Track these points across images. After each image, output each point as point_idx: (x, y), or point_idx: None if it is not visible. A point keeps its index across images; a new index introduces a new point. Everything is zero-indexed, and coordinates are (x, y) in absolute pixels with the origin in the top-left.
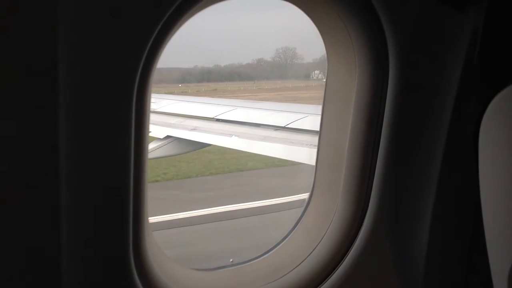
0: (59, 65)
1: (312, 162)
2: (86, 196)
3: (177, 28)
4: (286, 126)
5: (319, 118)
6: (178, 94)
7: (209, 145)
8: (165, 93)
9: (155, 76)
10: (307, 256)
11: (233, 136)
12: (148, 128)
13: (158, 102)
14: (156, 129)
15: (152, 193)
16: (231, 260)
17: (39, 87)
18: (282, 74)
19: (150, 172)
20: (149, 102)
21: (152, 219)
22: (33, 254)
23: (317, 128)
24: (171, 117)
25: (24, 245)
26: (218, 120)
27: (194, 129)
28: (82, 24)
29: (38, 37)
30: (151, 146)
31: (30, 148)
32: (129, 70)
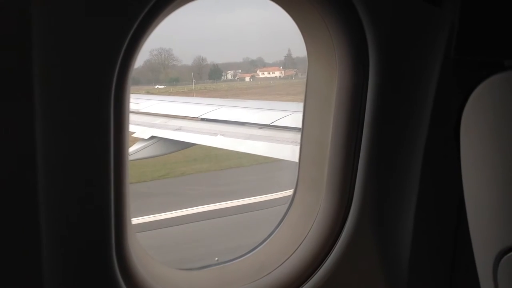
0: (34, 66)
1: (295, 159)
2: (65, 198)
3: (154, 28)
4: (271, 124)
5: None
6: None
7: (194, 144)
8: None
9: None
10: (292, 253)
11: (218, 135)
12: (128, 129)
13: (141, 102)
14: (140, 129)
15: None
16: (216, 259)
17: (15, 90)
18: (155, 78)
19: None
20: (128, 103)
21: None
22: (13, 257)
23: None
24: (156, 117)
25: (4, 248)
26: (203, 119)
27: (178, 129)
28: (57, 25)
29: (12, 39)
30: (135, 147)
31: (7, 150)
32: (106, 71)
